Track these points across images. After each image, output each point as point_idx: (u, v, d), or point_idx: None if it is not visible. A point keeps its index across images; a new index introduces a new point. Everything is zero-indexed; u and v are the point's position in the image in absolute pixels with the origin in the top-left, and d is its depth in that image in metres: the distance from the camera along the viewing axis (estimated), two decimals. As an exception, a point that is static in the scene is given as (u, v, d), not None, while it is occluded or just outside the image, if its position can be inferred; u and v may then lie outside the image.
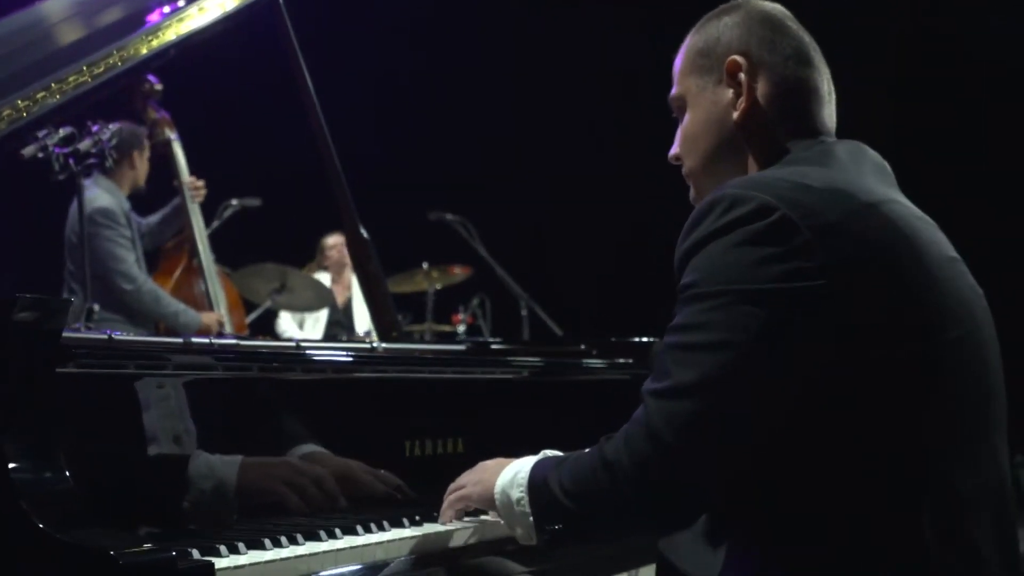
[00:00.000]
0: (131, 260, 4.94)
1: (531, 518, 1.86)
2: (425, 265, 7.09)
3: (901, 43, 6.71)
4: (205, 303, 5.11)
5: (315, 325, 7.13)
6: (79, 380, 1.81)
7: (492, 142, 7.59)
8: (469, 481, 2.07)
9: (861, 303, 1.62)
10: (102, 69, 2.57)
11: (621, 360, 3.13)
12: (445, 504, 2.15)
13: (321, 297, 6.85)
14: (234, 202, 6.38)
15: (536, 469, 1.88)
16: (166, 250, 5.37)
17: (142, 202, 5.25)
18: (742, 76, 1.85)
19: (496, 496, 1.94)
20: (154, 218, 5.33)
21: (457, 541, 2.22)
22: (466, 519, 2.23)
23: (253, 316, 6.44)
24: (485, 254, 6.72)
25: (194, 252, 5.13)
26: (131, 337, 2.10)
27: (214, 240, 6.11)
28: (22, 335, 1.72)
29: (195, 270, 5.18)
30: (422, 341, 5.36)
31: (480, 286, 7.14)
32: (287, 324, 7.09)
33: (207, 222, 5.78)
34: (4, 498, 1.63)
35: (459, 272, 7.13)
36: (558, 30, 7.53)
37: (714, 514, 1.79)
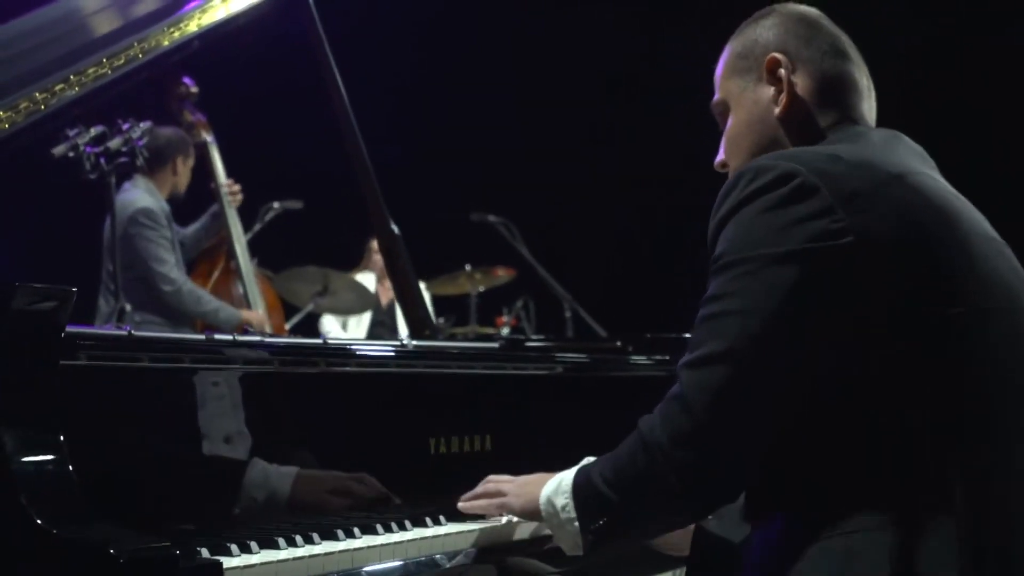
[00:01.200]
0: (172, 261, 4.93)
1: (576, 523, 1.82)
2: (468, 267, 7.03)
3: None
4: (243, 305, 5.08)
5: (359, 326, 7.10)
6: (84, 373, 1.76)
7: (535, 142, 7.52)
8: (511, 492, 2.04)
9: (890, 266, 1.61)
10: (123, 61, 2.53)
11: (657, 356, 3.04)
12: (481, 502, 2.10)
13: (363, 299, 6.81)
14: (275, 205, 6.37)
15: (579, 472, 1.86)
16: (204, 251, 5.35)
17: (177, 204, 5.23)
18: (782, 72, 1.87)
19: (542, 506, 1.90)
20: (191, 228, 5.32)
21: (482, 541, 2.15)
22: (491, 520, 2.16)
23: (296, 319, 6.42)
24: (528, 255, 6.66)
25: (232, 254, 5.11)
26: (145, 333, 2.04)
27: (256, 243, 6.09)
28: (22, 324, 1.67)
29: (233, 272, 5.16)
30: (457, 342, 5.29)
31: (524, 288, 7.08)
32: (330, 325, 7.06)
33: (247, 225, 5.77)
34: (3, 492, 1.58)
35: (502, 274, 7.07)
36: (605, 24, 7.45)
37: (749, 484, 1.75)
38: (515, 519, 2.15)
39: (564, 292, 6.65)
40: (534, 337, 4.81)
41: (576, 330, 6.72)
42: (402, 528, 2.10)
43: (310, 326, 6.78)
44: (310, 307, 6.49)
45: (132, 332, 1.93)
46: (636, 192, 7.39)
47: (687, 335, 2.98)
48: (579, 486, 1.83)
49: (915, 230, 1.64)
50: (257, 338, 2.37)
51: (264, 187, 6.23)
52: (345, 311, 6.90)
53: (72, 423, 1.69)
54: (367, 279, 7.12)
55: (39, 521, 1.55)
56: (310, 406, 2.19)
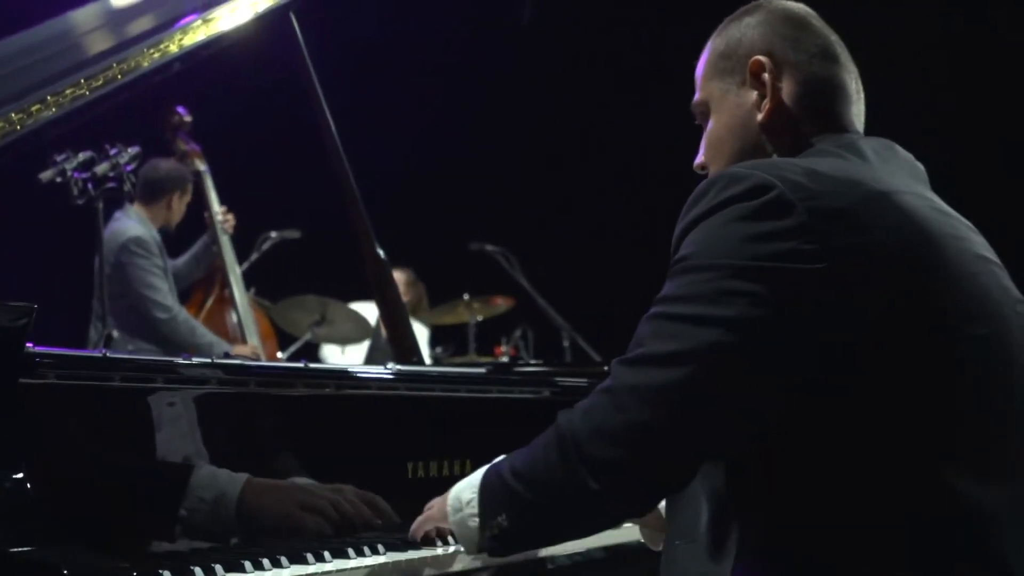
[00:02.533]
0: (165, 289, 4.91)
1: (477, 518, 1.71)
2: (466, 296, 7.00)
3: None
4: (237, 334, 5.06)
5: (357, 354, 7.08)
6: (46, 391, 1.73)
7: (532, 171, 7.52)
8: (436, 500, 1.92)
9: (867, 291, 1.52)
10: (101, 82, 2.50)
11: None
12: (417, 521, 2.00)
13: (361, 329, 6.79)
14: (273, 234, 6.36)
15: (491, 466, 1.75)
16: (198, 281, 5.34)
17: (169, 235, 5.22)
18: (766, 76, 1.78)
19: (449, 503, 1.79)
20: (183, 259, 5.31)
21: (458, 565, 2.10)
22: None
23: (293, 348, 6.39)
24: (527, 284, 6.64)
25: (225, 283, 5.10)
26: (119, 354, 2.01)
27: (253, 272, 6.08)
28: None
29: (227, 301, 5.14)
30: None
31: (522, 317, 7.04)
32: (329, 350, 7.05)
33: (244, 255, 5.76)
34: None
35: (501, 303, 7.03)
36: (600, 54, 7.45)
37: (716, 528, 1.65)
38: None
39: (562, 321, 6.62)
40: (520, 362, 4.77)
41: (574, 359, 6.68)
42: (375, 552, 2.06)
43: (309, 355, 6.75)
44: (307, 336, 6.47)
45: (106, 354, 1.90)
46: (635, 222, 7.36)
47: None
48: (487, 480, 1.73)
49: (896, 254, 1.56)
50: (236, 361, 2.33)
51: (260, 216, 6.23)
52: (342, 340, 6.88)
53: (34, 442, 1.66)
54: (366, 308, 7.10)
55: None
56: (285, 428, 2.16)
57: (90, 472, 1.77)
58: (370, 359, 7.12)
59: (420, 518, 1.99)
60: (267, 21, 2.92)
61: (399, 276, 7.13)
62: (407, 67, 7.51)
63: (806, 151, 1.74)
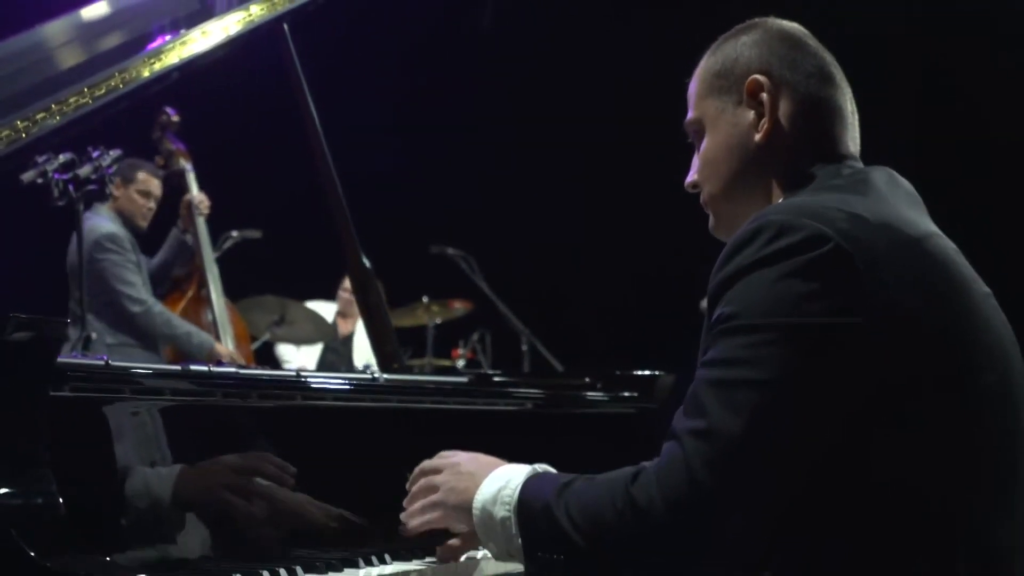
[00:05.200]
0: (139, 283, 4.93)
1: (519, 540, 1.69)
2: (425, 299, 7.04)
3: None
4: (213, 333, 5.09)
5: (312, 348, 7.11)
6: (74, 404, 1.76)
7: (494, 176, 7.57)
8: (443, 485, 1.85)
9: (906, 342, 1.54)
10: (103, 91, 2.53)
11: (626, 393, 3.07)
12: (415, 522, 1.90)
13: (320, 330, 6.82)
14: (234, 234, 6.36)
15: (530, 490, 1.71)
16: (176, 280, 5.36)
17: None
18: (764, 96, 1.76)
19: (475, 512, 1.76)
20: (157, 257, 5.32)
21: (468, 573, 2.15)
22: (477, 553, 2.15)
23: (252, 348, 6.40)
24: (486, 288, 6.69)
25: (203, 282, 5.12)
26: (127, 363, 2.04)
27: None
28: (15, 356, 1.67)
29: (203, 300, 5.17)
30: (423, 375, 5.31)
31: (481, 321, 7.10)
32: (286, 349, 7.07)
33: (207, 254, 5.76)
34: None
35: (459, 306, 7.08)
36: (562, 61, 7.52)
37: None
38: (479, 555, 2.08)
39: (521, 325, 6.68)
40: (500, 373, 4.82)
41: (533, 364, 6.75)
42: (382, 562, 2.11)
43: (267, 355, 6.77)
44: (266, 336, 6.49)
45: (109, 362, 1.93)
46: (594, 228, 7.44)
47: (656, 373, 3.05)
48: (531, 512, 1.69)
49: (933, 304, 1.58)
50: (232, 370, 2.36)
51: (222, 215, 6.22)
52: (301, 341, 6.91)
53: (60, 454, 1.69)
54: (324, 309, 7.13)
55: (32, 553, 1.55)
56: (290, 438, 2.20)
57: (115, 483, 1.80)
58: (324, 359, 7.16)
59: (420, 519, 1.90)
60: (261, 32, 2.95)
61: (358, 278, 7.16)
62: (367, 69, 7.53)
63: (810, 180, 1.72)
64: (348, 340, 7.21)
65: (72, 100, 2.48)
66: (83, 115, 2.51)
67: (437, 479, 1.87)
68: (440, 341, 7.18)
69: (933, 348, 1.56)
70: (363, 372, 2.73)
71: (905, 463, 1.53)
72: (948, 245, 1.69)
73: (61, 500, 1.65)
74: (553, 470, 1.81)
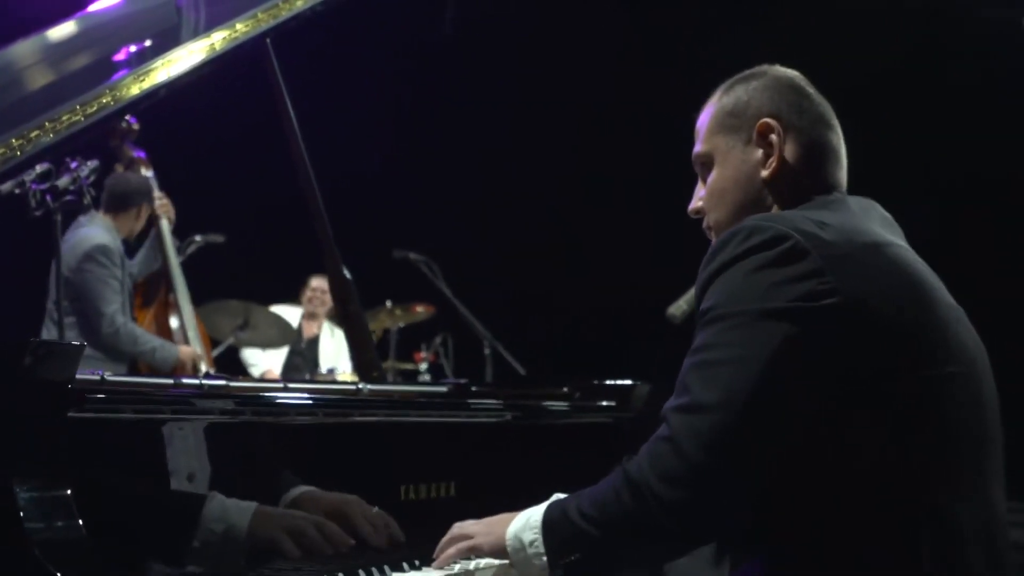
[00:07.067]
0: (117, 303, 4.95)
1: (544, 557, 1.89)
2: (388, 303, 7.07)
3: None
4: (182, 336, 5.10)
5: (277, 352, 7.12)
6: (91, 425, 1.80)
7: (460, 180, 7.61)
8: (478, 532, 2.07)
9: (871, 328, 1.73)
10: (95, 108, 2.55)
11: (604, 403, 3.14)
12: (449, 550, 2.13)
13: (284, 334, 6.83)
14: (197, 238, 6.34)
15: (550, 508, 1.92)
16: (142, 283, 5.37)
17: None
18: (773, 137, 1.98)
19: (508, 542, 1.96)
20: (137, 259, 5.34)
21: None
22: (473, 562, 2.22)
23: (216, 352, 6.40)
24: (449, 293, 6.72)
25: (170, 287, 5.14)
26: (129, 378, 2.08)
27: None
28: (31, 380, 1.70)
29: (171, 305, 5.17)
30: (389, 380, 5.35)
31: (443, 325, 7.14)
32: (251, 353, 7.07)
33: (170, 258, 5.76)
34: (17, 547, 1.61)
35: (422, 310, 7.12)
36: (528, 69, 7.57)
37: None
38: (482, 563, 2.21)
39: (484, 330, 6.73)
40: (481, 383, 4.87)
41: (495, 368, 6.80)
42: (382, 575, 2.16)
43: (232, 359, 6.77)
44: (231, 340, 6.49)
45: (104, 377, 1.96)
46: (557, 233, 7.50)
47: (634, 382, 3.12)
48: (552, 522, 1.90)
49: (892, 297, 1.76)
50: (223, 381, 2.40)
51: (185, 219, 6.22)
52: (265, 345, 6.92)
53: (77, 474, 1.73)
54: (288, 312, 7.14)
55: (58, 574, 1.58)
56: (291, 455, 2.24)
57: (132, 503, 1.84)
58: (290, 362, 7.17)
59: (445, 541, 2.12)
60: (245, 49, 2.99)
61: (320, 283, 7.18)
62: (334, 74, 7.54)
63: (803, 205, 1.94)
64: (313, 343, 7.23)
65: (65, 118, 2.50)
66: (75, 132, 2.53)
67: (471, 528, 2.10)
68: (403, 345, 7.21)
69: (895, 334, 1.75)
70: (333, 379, 2.76)
71: (871, 446, 1.72)
72: (911, 255, 1.89)
73: (80, 522, 1.69)
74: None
